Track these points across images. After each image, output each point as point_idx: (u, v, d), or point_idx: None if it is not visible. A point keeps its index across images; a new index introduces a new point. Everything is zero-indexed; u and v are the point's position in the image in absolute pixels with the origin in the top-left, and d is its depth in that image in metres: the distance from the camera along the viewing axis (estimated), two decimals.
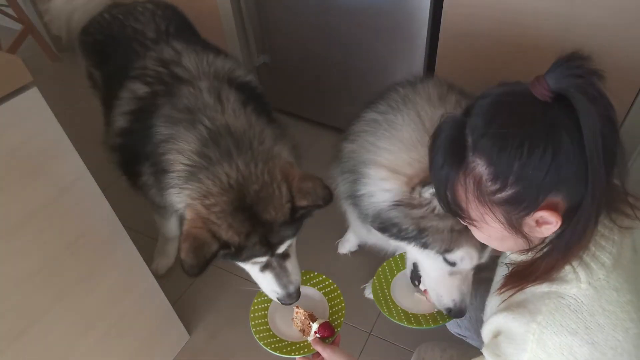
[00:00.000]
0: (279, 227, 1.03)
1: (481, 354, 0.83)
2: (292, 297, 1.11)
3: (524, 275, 0.77)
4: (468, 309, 1.12)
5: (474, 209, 0.72)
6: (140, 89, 1.25)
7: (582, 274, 0.71)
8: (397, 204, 1.02)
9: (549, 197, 0.66)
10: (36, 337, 1.09)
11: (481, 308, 1.04)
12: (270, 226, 1.02)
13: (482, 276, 1.13)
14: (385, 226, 1.08)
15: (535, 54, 1.52)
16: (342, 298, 1.16)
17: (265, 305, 1.17)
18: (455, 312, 1.11)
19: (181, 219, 1.14)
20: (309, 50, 2.13)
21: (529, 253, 0.76)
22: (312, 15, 1.99)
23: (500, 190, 0.67)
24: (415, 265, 1.18)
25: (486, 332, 0.86)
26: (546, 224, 0.68)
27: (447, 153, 0.73)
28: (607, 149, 0.62)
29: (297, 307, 1.08)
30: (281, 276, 1.10)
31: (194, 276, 0.97)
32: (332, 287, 1.19)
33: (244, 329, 1.16)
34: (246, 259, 1.07)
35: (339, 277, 1.23)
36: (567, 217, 0.67)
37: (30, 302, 1.06)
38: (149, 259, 1.38)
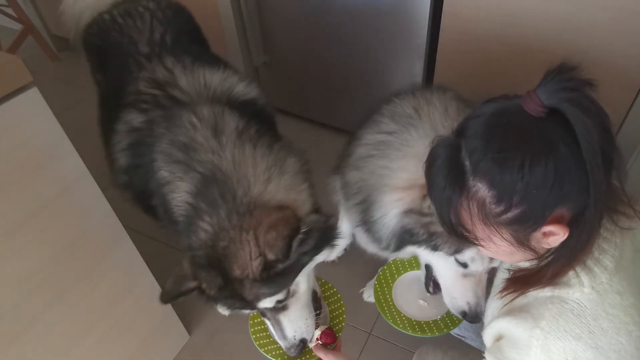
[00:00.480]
0: (251, 285, 0.94)
1: (481, 355, 0.83)
2: (290, 351, 1.04)
3: (527, 281, 0.76)
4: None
5: (480, 230, 0.71)
6: (136, 118, 1.21)
7: (585, 278, 0.71)
8: (409, 212, 1.01)
9: (555, 211, 0.65)
10: (36, 337, 1.09)
11: None
12: (240, 283, 0.94)
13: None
14: (400, 241, 1.06)
15: (535, 54, 1.52)
16: (342, 302, 1.15)
17: None
18: (471, 316, 1.08)
19: None
20: (309, 50, 2.13)
21: (534, 260, 0.76)
22: (312, 16, 1.99)
23: (505, 211, 0.66)
24: (427, 268, 1.16)
25: (488, 335, 0.86)
26: (553, 235, 0.68)
27: (447, 178, 0.71)
28: (606, 157, 0.62)
29: None
30: (276, 329, 1.04)
31: (162, 302, 0.95)
32: (332, 291, 1.19)
33: (244, 329, 1.16)
34: (228, 308, 1.01)
35: (337, 278, 1.23)
36: (572, 226, 0.67)
37: (30, 302, 1.05)
38: (149, 259, 1.38)
